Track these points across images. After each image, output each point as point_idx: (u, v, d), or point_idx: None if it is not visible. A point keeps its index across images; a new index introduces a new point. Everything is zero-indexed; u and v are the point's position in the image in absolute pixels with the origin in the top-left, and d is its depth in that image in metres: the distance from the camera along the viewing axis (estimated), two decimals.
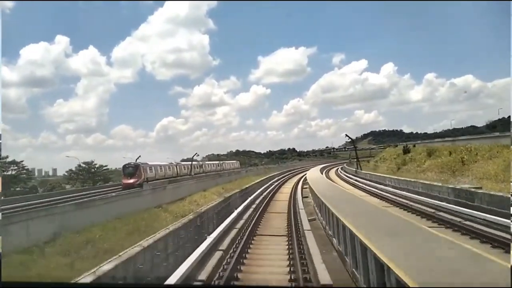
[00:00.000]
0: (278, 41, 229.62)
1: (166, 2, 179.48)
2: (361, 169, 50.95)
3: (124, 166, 36.72)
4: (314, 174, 46.62)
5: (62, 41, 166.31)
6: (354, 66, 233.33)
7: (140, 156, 49.56)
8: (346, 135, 40.89)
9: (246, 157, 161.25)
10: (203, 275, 8.43)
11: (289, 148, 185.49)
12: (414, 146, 51.88)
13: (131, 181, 34.60)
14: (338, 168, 79.02)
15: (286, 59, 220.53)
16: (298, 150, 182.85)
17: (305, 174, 51.42)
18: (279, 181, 48.52)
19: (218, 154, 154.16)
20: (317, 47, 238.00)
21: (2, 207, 18.94)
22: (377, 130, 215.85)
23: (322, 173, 51.35)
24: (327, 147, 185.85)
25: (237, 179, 47.97)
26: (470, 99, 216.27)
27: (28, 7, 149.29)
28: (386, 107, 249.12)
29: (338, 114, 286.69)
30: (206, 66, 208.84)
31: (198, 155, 48.84)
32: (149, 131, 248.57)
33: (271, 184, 41.69)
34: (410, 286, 4.84)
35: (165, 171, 43.32)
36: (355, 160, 49.06)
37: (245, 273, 8.89)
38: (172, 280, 7.14)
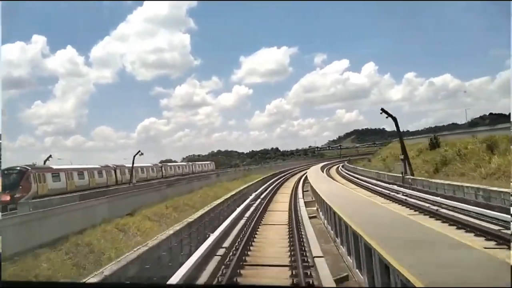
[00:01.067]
0: (260, 41, 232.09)
1: (146, 1, 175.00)
2: (412, 174, 27.76)
3: (3, 172, 22.10)
4: (335, 190, 21.68)
5: (39, 41, 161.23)
6: (335, 66, 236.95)
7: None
8: (382, 109, 24.52)
9: (226, 158, 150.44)
10: None
11: (272, 148, 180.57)
12: None
13: (8, 197, 20.05)
14: (339, 168, 68.49)
15: (268, 59, 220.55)
16: (281, 150, 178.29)
17: (301, 180, 37.91)
18: (264, 195, 26.54)
19: (199, 155, 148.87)
20: (299, 47, 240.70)
21: None
22: (360, 128, 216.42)
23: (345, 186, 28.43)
24: (310, 146, 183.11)
25: (202, 187, 33.45)
26: (449, 98, 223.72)
27: (3, 6, 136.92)
28: (367, 106, 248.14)
29: (320, 114, 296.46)
30: (187, 66, 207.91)
31: (142, 154, 35.79)
32: (131, 132, 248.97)
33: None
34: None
35: (89, 178, 28.88)
36: (402, 159, 28.48)
37: None
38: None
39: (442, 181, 21.15)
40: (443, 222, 13.22)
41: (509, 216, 11.50)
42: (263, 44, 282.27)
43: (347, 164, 71.81)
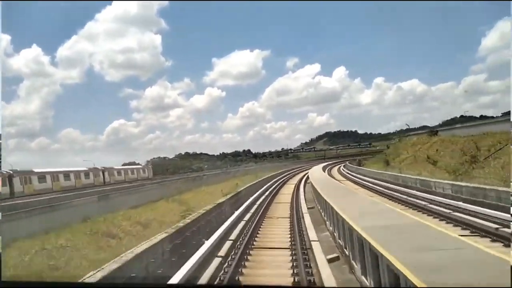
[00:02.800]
0: (232, 43, 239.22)
1: (115, 1, 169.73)
2: None
3: None
4: None
5: (2, 39, 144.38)
6: (307, 70, 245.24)
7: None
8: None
9: (194, 160, 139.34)
10: None
11: (244, 150, 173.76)
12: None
13: None
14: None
15: (241, 61, 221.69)
16: (253, 152, 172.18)
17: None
18: None
19: (164, 157, 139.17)
20: (271, 50, 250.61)
21: None
22: (332, 131, 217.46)
23: None
24: (282, 148, 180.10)
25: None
26: (416, 102, 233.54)
27: None
28: (338, 110, 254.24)
29: (293, 117, 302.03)
30: (158, 67, 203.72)
31: None
32: (99, 134, 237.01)
33: None
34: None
35: None
36: None
37: None
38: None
39: None
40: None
41: None
42: (236, 46, 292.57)
43: (364, 169, 50.01)
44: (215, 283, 7.72)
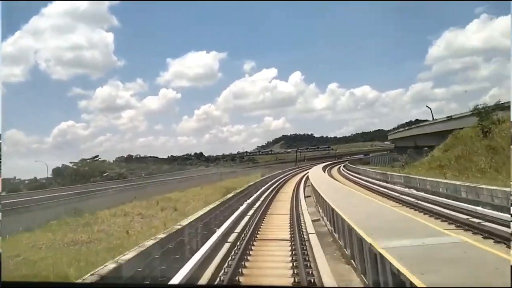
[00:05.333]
0: (188, 43, 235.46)
1: None
2: None
3: None
4: None
5: None
6: (264, 74, 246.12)
7: None
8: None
9: (133, 164, 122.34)
10: None
11: (195, 153, 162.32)
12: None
13: None
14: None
15: (197, 63, 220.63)
16: (206, 155, 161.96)
17: None
18: None
19: (103, 160, 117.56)
20: (228, 52, 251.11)
21: None
22: (289, 134, 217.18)
23: None
24: (238, 152, 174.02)
25: None
26: (367, 107, 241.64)
27: None
28: (294, 114, 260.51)
29: (249, 120, 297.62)
30: (109, 66, 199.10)
31: None
32: (45, 136, 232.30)
33: None
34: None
35: None
36: None
37: None
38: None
39: None
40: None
41: None
42: (191, 47, 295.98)
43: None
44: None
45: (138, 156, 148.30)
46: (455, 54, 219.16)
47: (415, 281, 4.85)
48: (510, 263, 5.03)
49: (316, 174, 42.00)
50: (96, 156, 70.67)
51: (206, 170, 78.67)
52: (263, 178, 37.91)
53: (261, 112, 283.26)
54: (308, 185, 30.41)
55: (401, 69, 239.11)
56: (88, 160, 67.16)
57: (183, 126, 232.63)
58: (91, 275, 6.23)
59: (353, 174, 47.41)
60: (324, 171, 53.88)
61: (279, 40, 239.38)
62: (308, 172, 51.13)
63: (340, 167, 73.21)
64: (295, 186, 33.28)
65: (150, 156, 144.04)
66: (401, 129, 69.47)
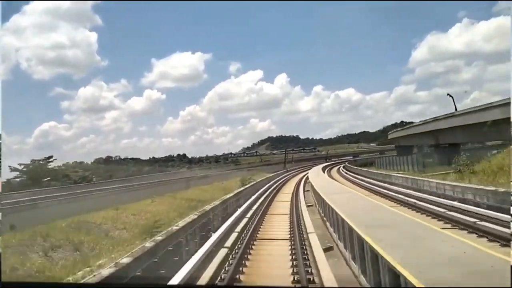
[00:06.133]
0: (173, 44, 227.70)
1: None
2: None
3: None
4: None
5: None
6: (250, 76, 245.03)
7: None
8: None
9: (111, 166, 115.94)
10: None
11: (178, 154, 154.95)
12: None
13: None
14: None
15: (182, 63, 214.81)
16: (189, 157, 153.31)
17: None
18: None
19: (81, 162, 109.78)
20: (214, 53, 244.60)
21: None
22: (274, 136, 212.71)
23: None
24: (223, 153, 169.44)
25: None
26: (352, 110, 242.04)
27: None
28: (279, 116, 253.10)
29: (235, 122, 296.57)
30: (92, 66, 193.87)
31: None
32: (27, 137, 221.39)
33: None
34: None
35: None
36: None
37: None
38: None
39: None
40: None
41: None
42: (176, 48, 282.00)
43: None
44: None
45: (117, 158, 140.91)
46: (437, 57, 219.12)
47: None
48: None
49: (324, 183, 27.10)
50: (50, 157, 63.33)
51: (179, 173, 71.39)
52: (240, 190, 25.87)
53: (247, 114, 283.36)
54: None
55: (385, 72, 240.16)
56: (42, 162, 59.85)
57: (168, 128, 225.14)
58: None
59: (380, 184, 30.61)
60: (331, 177, 41.03)
61: (265, 42, 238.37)
62: (305, 175, 43.34)
63: (342, 170, 62.43)
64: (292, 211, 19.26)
65: (130, 158, 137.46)
66: (408, 126, 62.12)
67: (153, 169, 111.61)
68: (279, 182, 43.69)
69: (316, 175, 42.60)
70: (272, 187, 35.16)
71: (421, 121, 52.32)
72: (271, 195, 27.99)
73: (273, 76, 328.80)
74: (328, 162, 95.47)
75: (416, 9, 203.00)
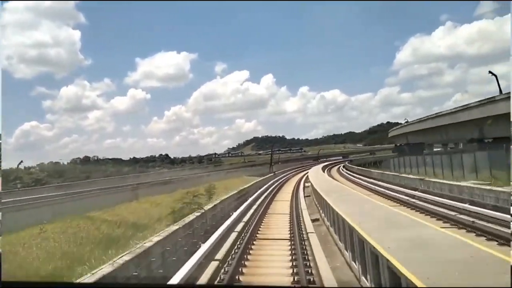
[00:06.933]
0: (157, 43, 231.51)
1: None
2: None
3: None
4: None
5: None
6: (236, 76, 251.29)
7: None
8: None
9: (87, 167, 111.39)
10: None
11: (160, 154, 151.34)
12: None
13: None
14: None
15: (167, 63, 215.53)
16: (172, 157, 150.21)
17: None
18: None
19: (56, 163, 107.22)
20: (199, 53, 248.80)
21: None
22: (260, 136, 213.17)
23: None
24: (208, 154, 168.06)
25: None
26: (337, 111, 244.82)
27: None
28: (265, 117, 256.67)
29: (220, 122, 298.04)
30: (75, 65, 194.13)
31: None
32: (7, 137, 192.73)
33: None
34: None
35: None
36: None
37: None
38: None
39: None
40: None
41: None
42: (161, 47, 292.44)
43: None
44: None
45: (96, 158, 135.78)
46: (421, 60, 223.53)
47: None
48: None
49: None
50: (77, 159, 59.27)
51: (150, 175, 65.11)
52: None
53: (233, 114, 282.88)
54: None
55: (370, 74, 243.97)
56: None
57: (153, 128, 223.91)
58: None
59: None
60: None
61: (251, 43, 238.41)
62: (301, 182, 33.83)
63: (348, 174, 48.68)
64: None
65: (110, 158, 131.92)
66: (418, 120, 52.10)
67: (132, 169, 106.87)
68: (260, 202, 22.08)
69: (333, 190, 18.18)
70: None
71: (438, 112, 43.77)
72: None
73: (259, 77, 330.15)
74: (320, 162, 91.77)
75: (401, 12, 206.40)
